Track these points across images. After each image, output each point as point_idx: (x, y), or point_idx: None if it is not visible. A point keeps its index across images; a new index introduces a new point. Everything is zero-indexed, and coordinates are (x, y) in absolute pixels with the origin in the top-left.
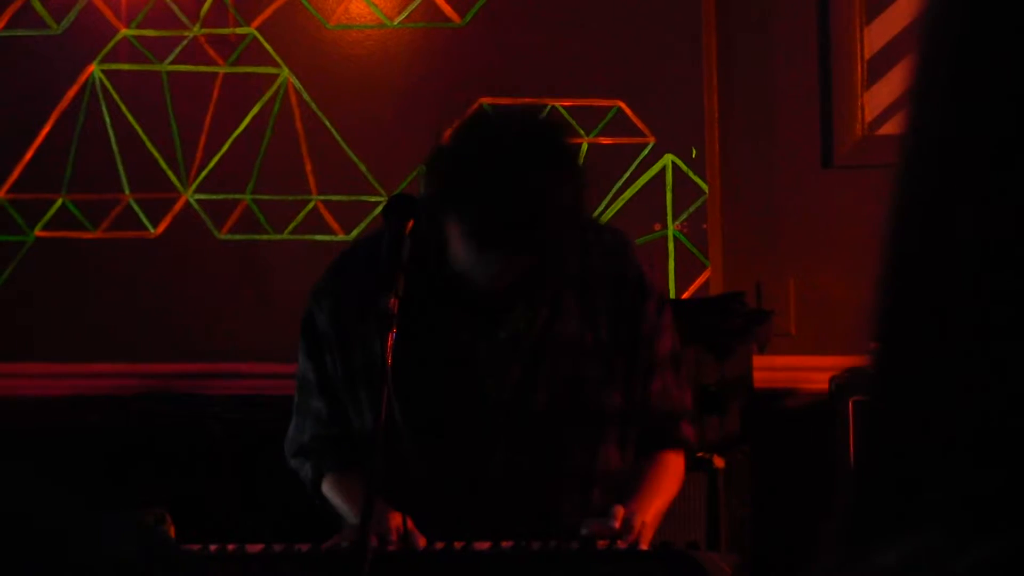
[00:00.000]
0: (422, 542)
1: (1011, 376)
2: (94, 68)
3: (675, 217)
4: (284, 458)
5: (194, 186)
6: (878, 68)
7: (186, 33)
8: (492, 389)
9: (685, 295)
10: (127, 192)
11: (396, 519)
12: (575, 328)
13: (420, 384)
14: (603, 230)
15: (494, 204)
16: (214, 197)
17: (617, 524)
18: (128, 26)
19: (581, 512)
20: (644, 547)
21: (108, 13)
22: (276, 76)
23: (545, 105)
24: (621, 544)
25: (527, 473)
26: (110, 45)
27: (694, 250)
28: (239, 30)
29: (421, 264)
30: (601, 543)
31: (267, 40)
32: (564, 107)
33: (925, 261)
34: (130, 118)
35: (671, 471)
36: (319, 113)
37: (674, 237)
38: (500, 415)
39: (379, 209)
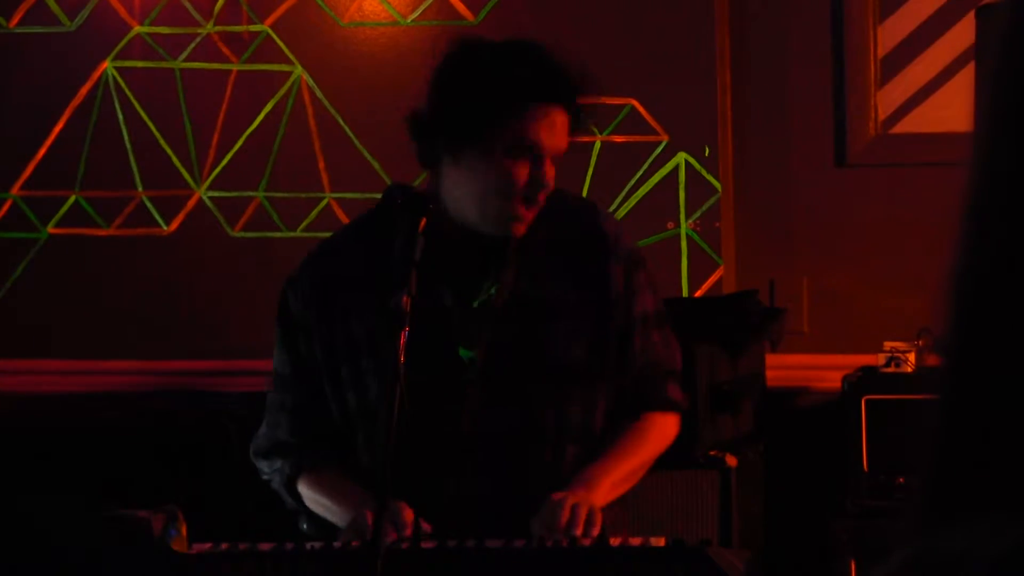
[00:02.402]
0: (428, 529)
1: None
2: (107, 65)
3: (688, 215)
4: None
5: (207, 183)
6: (891, 67)
7: (199, 30)
8: (464, 353)
9: (698, 293)
10: (140, 189)
11: (409, 513)
12: (539, 289)
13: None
14: (568, 196)
15: (542, 57)
16: (227, 194)
17: (563, 518)
18: (141, 23)
19: (555, 471)
20: (596, 530)
21: (122, 10)
22: (289, 73)
23: None
24: (585, 542)
25: (497, 434)
26: (123, 42)
27: (707, 248)
28: (252, 27)
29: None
30: (614, 540)
31: (280, 37)
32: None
33: (1007, 254)
34: (143, 115)
35: (648, 433)
36: (332, 110)
37: (687, 235)
38: (471, 377)
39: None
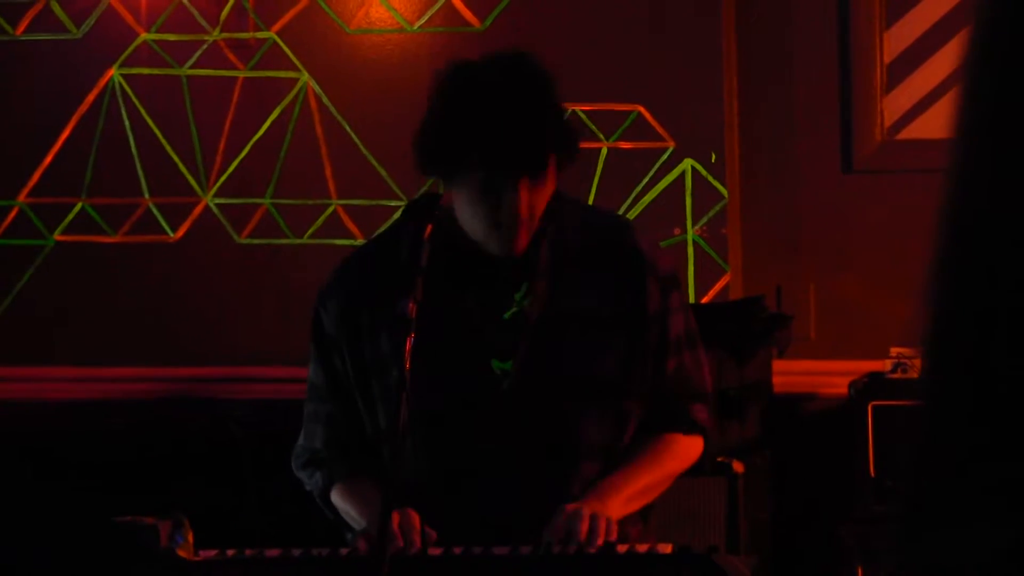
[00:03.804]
0: (433, 536)
1: None
2: (114, 72)
3: (695, 222)
4: (291, 468)
5: (214, 190)
6: (898, 73)
7: (206, 37)
8: (498, 365)
9: (705, 299)
10: (147, 196)
11: (413, 518)
12: (574, 302)
13: (430, 366)
14: (605, 212)
15: (498, 126)
16: (234, 201)
17: (583, 529)
18: (148, 30)
19: (588, 484)
20: (612, 537)
21: (128, 17)
22: (296, 80)
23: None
24: (592, 549)
25: (531, 446)
26: (130, 49)
27: (714, 255)
28: (259, 34)
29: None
30: (620, 547)
31: (287, 44)
32: (584, 111)
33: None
34: (150, 122)
35: (669, 451)
36: (339, 117)
37: (694, 242)
38: (506, 390)
39: (398, 213)
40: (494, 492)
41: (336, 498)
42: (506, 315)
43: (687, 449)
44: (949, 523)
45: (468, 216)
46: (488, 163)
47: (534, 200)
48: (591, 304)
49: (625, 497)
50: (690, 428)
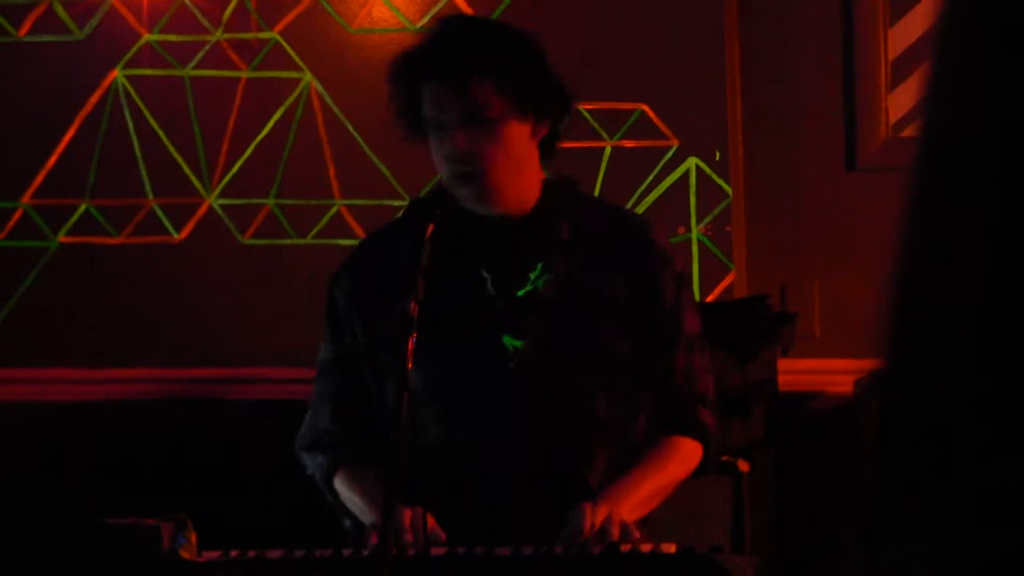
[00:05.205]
0: (443, 537)
1: (1011, 376)
2: (117, 73)
3: (699, 220)
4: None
5: (217, 191)
6: (902, 70)
7: (208, 38)
8: (509, 341)
9: (709, 298)
10: (150, 197)
11: (414, 515)
12: (589, 284)
13: (440, 343)
14: (622, 208)
15: (449, 31)
16: (237, 202)
17: (588, 525)
18: (150, 31)
19: (599, 462)
20: (636, 537)
21: (130, 18)
22: (299, 80)
23: None
24: (597, 549)
25: (543, 423)
26: (133, 50)
27: (718, 253)
28: (261, 35)
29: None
30: (624, 547)
31: (289, 44)
32: (587, 110)
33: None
34: (153, 123)
35: (674, 457)
36: (342, 117)
37: (698, 240)
38: (517, 366)
39: (401, 214)
40: (500, 472)
41: (340, 484)
42: (520, 292)
43: (691, 455)
44: (903, 533)
45: (443, 174)
46: (428, 74)
47: (483, 139)
48: (607, 288)
49: (634, 503)
50: (697, 433)
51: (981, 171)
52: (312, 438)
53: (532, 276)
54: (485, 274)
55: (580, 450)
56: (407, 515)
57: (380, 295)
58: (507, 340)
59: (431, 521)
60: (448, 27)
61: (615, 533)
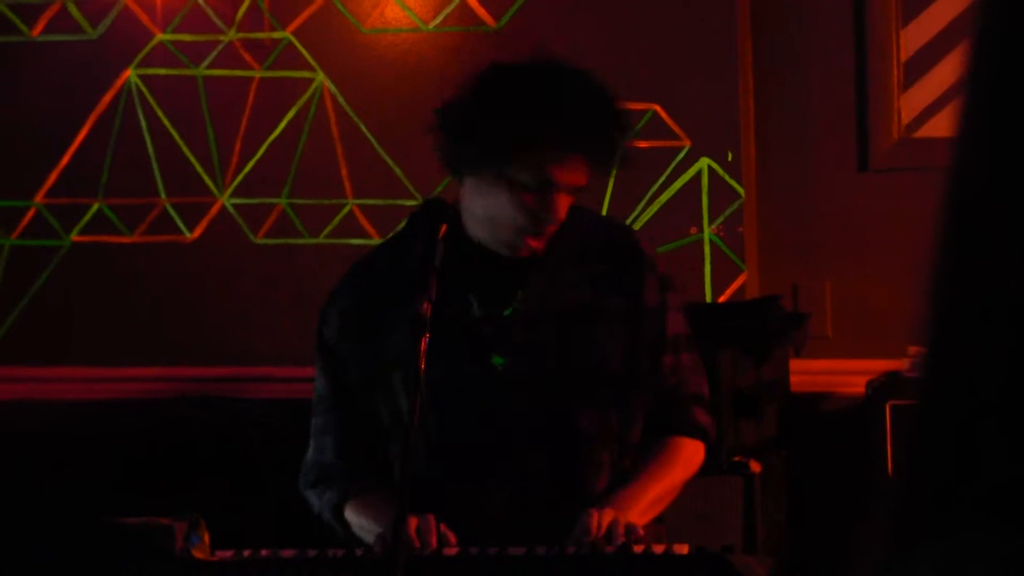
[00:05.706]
0: (452, 539)
1: None
2: (130, 73)
3: (711, 221)
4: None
5: (230, 190)
6: (915, 70)
7: (221, 38)
8: (498, 360)
9: (721, 299)
10: (163, 196)
11: (430, 522)
12: (574, 296)
13: (433, 364)
14: (603, 216)
15: (573, 105)
16: (250, 201)
17: (595, 529)
18: (164, 31)
19: (593, 476)
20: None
21: (144, 18)
22: (311, 80)
23: None
24: (610, 549)
25: (533, 438)
26: (146, 50)
27: (730, 254)
28: (274, 34)
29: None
30: (637, 547)
31: (302, 44)
32: None
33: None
34: (166, 123)
35: (677, 458)
36: (354, 117)
37: (710, 241)
38: (506, 383)
39: (402, 224)
40: (497, 489)
41: (350, 514)
42: (506, 312)
43: (692, 455)
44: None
45: (488, 215)
46: (552, 147)
47: (562, 209)
48: (590, 297)
49: (642, 508)
50: (694, 432)
51: (1019, 172)
52: (317, 474)
53: (518, 295)
54: (475, 297)
55: (574, 462)
56: (414, 522)
57: (381, 312)
58: (495, 360)
59: (441, 526)
60: (575, 97)
61: (621, 535)
